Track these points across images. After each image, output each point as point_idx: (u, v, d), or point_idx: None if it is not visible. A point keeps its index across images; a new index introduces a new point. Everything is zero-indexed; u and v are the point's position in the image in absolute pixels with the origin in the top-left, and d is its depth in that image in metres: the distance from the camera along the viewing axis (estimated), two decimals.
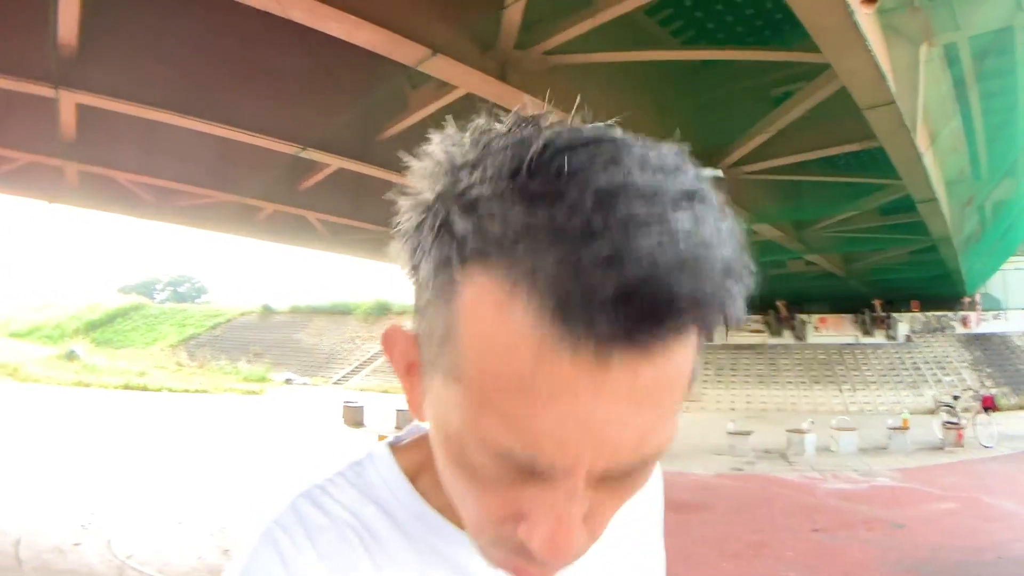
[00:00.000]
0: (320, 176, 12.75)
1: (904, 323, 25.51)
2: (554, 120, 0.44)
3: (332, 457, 0.62)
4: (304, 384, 30.03)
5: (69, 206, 14.11)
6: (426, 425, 0.65)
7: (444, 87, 8.91)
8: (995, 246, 17.70)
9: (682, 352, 0.41)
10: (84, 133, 10.15)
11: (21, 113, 9.99)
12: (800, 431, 12.88)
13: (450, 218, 0.42)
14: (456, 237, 0.41)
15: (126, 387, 23.62)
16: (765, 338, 27.19)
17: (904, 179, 10.57)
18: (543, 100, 0.50)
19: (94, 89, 8.41)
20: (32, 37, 7.59)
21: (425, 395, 0.49)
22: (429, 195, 0.44)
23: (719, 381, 25.00)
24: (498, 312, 0.39)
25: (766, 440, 13.60)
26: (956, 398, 15.21)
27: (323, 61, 8.55)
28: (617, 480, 0.44)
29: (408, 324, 0.53)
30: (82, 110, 9.33)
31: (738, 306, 0.41)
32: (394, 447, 0.64)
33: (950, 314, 25.29)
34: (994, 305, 25.46)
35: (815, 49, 6.83)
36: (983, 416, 13.51)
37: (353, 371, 31.92)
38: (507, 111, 0.45)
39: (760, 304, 26.40)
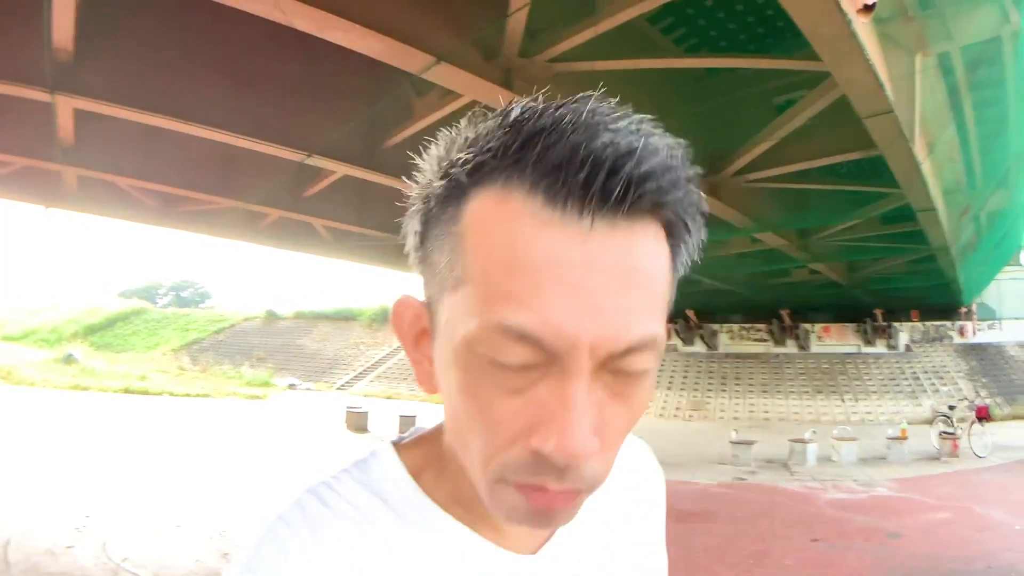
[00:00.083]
0: (325, 183, 12.73)
1: (904, 332, 25.51)
2: None
3: (335, 461, 0.64)
4: (307, 389, 30.04)
5: (68, 211, 13.86)
6: (428, 425, 0.69)
7: (449, 95, 8.93)
8: (990, 256, 17.69)
9: (649, 239, 0.50)
10: (83, 138, 10.07)
11: (17, 117, 9.92)
12: (802, 441, 12.91)
13: (454, 160, 0.52)
14: (460, 171, 0.51)
15: (126, 391, 23.57)
16: (769, 347, 27.19)
17: (903, 188, 10.58)
18: None
19: (91, 94, 8.33)
20: (26, 41, 7.52)
21: (436, 357, 0.55)
22: (434, 168, 0.54)
23: (723, 390, 25.00)
24: (497, 209, 0.48)
25: (769, 450, 13.61)
26: (952, 408, 15.24)
27: (328, 69, 8.57)
28: (619, 374, 0.50)
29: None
30: (80, 115, 9.26)
31: (688, 202, 0.51)
32: (398, 445, 0.65)
33: (948, 324, 25.30)
34: (989, 315, 25.44)
35: (815, 57, 6.88)
36: (977, 426, 13.53)
37: (356, 377, 31.94)
38: None
39: (764, 313, 26.42)
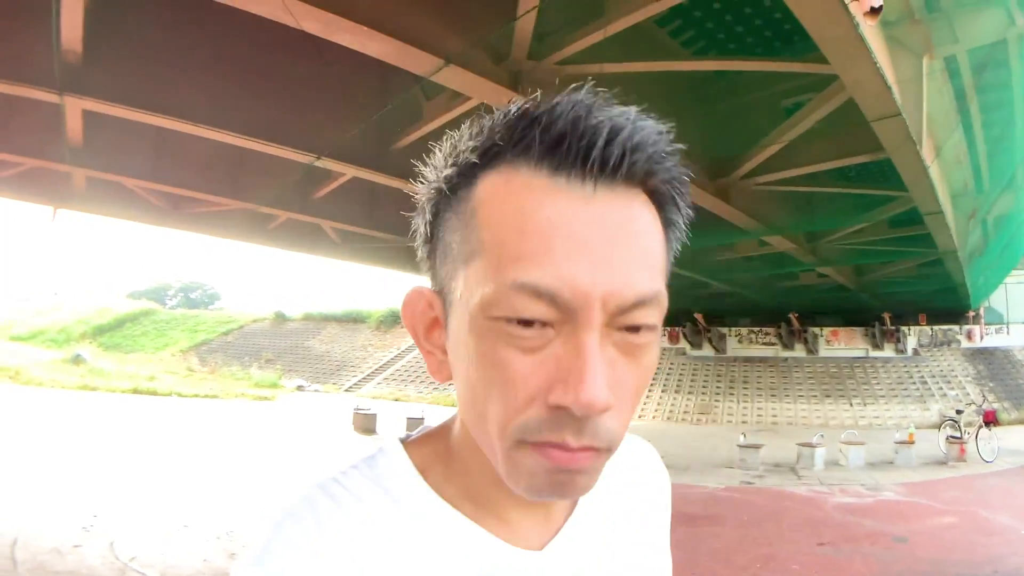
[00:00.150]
0: (334, 185, 12.76)
1: (912, 337, 25.41)
2: None
3: (342, 462, 0.65)
4: (315, 391, 30.06)
5: (76, 211, 13.92)
6: (435, 423, 0.70)
7: (458, 97, 8.96)
8: (998, 259, 17.63)
9: (644, 205, 0.55)
10: (92, 139, 10.11)
11: (27, 118, 10.00)
12: (810, 445, 12.85)
13: (463, 149, 0.56)
14: (470, 156, 0.55)
15: (135, 391, 23.52)
16: (777, 351, 27.12)
17: (911, 191, 10.56)
18: None
19: (100, 95, 8.37)
20: (35, 42, 7.56)
21: (450, 338, 0.58)
22: (443, 163, 0.58)
23: (731, 394, 24.93)
24: (506, 184, 0.53)
25: (776, 453, 13.57)
26: (960, 412, 15.21)
27: (337, 71, 8.60)
28: (628, 332, 0.53)
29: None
30: (89, 116, 9.30)
31: (676, 173, 0.56)
32: (405, 443, 0.66)
33: (955, 328, 25.18)
34: (997, 319, 25.33)
35: (823, 60, 6.88)
36: (985, 431, 13.46)
37: (365, 379, 31.94)
38: None
39: (773, 317, 26.33)
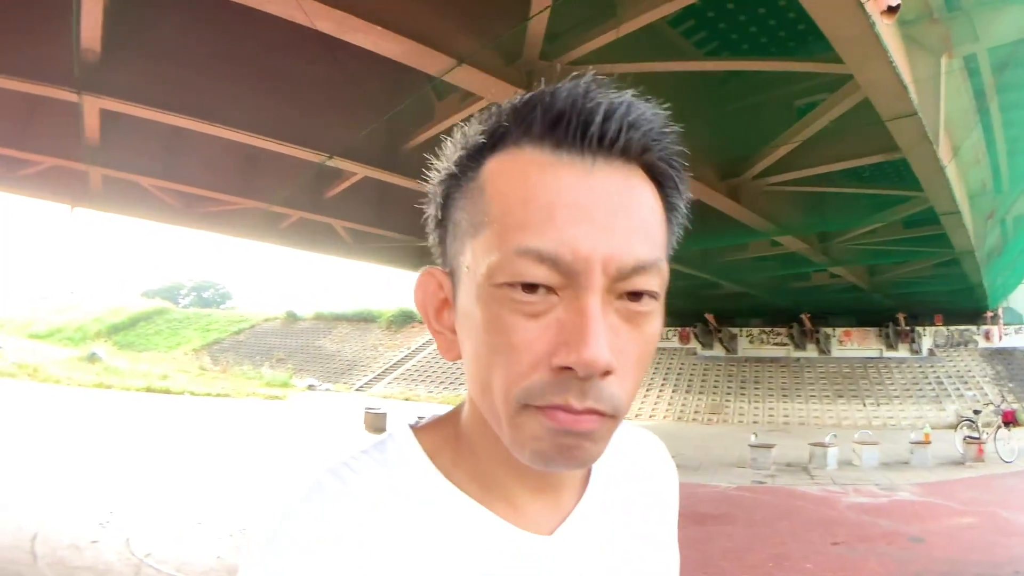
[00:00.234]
0: (346, 184, 12.80)
1: (927, 337, 25.23)
2: None
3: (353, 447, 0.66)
4: (327, 390, 30.18)
5: (93, 210, 14.01)
6: (444, 409, 0.71)
7: (469, 97, 8.97)
8: (1017, 260, 17.49)
9: (642, 179, 0.57)
10: (108, 138, 10.20)
11: (45, 117, 10.13)
12: (822, 445, 12.78)
13: (471, 134, 0.60)
14: (478, 139, 0.59)
15: (148, 390, 23.63)
16: (789, 351, 27.01)
17: (927, 191, 10.48)
18: None
19: (117, 94, 8.45)
20: (55, 42, 7.64)
21: (458, 312, 0.60)
22: (453, 152, 0.61)
23: (742, 394, 24.86)
24: (512, 162, 0.56)
25: (788, 453, 13.51)
26: (977, 412, 15.10)
27: (350, 70, 8.62)
28: (630, 300, 0.55)
29: None
30: (106, 115, 9.38)
31: (673, 150, 0.58)
32: (415, 428, 0.68)
33: (973, 328, 24.96)
34: (1016, 319, 25.07)
35: (838, 60, 6.84)
36: (1004, 431, 13.35)
37: (375, 378, 32.03)
38: None
39: (785, 317, 26.21)
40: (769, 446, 12.84)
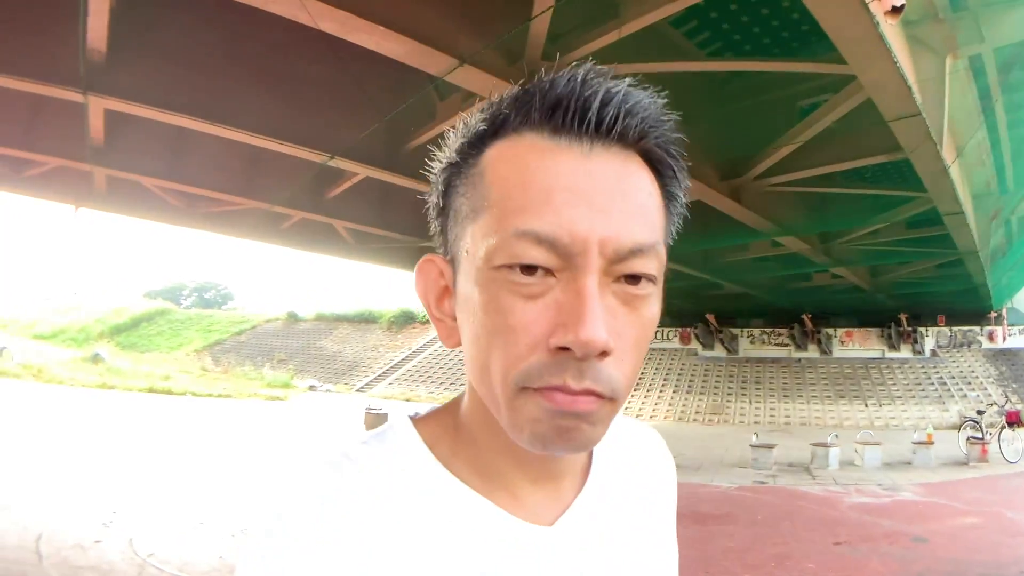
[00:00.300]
0: (347, 184, 12.81)
1: (930, 337, 25.20)
2: None
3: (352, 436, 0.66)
4: (327, 391, 30.17)
5: (97, 210, 14.04)
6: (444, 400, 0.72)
7: (471, 97, 8.95)
8: (1022, 260, 17.45)
9: (639, 165, 0.58)
10: (113, 138, 10.24)
11: (50, 118, 10.16)
12: (824, 445, 12.76)
13: (472, 123, 0.60)
14: (479, 126, 0.60)
15: (150, 390, 23.68)
16: (790, 352, 26.99)
17: (930, 192, 10.46)
18: None
19: (122, 95, 8.49)
20: (62, 43, 7.68)
21: (458, 298, 0.61)
22: (454, 142, 0.62)
23: (743, 394, 24.84)
24: (512, 149, 0.57)
25: (790, 454, 13.51)
26: (981, 413, 15.09)
27: (352, 71, 8.64)
28: (627, 282, 0.56)
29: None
30: (111, 115, 9.41)
31: (670, 137, 0.59)
32: (415, 419, 0.68)
33: (976, 329, 24.90)
34: (1020, 320, 24.96)
35: (841, 60, 6.83)
36: (1008, 431, 13.33)
37: (376, 379, 32.02)
38: None
39: (786, 317, 26.19)
40: (770, 446, 12.82)
